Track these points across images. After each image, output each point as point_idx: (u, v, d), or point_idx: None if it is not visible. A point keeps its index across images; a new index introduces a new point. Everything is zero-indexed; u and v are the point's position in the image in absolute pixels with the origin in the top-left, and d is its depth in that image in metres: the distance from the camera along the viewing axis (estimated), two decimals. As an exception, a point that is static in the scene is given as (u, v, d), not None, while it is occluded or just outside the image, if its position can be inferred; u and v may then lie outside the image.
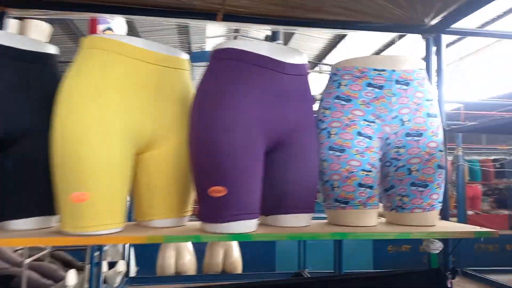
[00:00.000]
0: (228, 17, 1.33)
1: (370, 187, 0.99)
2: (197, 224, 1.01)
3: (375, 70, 1.01)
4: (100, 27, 3.01)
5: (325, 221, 1.09)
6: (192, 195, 1.03)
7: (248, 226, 0.89)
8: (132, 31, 5.15)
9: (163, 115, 0.95)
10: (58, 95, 0.88)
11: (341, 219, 1.01)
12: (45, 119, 0.91)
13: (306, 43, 6.96)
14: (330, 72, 1.10)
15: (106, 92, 0.87)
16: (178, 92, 0.99)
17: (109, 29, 2.97)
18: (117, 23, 3.04)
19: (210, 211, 0.88)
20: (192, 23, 1.38)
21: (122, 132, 0.88)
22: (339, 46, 6.83)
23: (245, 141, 0.88)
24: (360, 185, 0.98)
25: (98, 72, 0.88)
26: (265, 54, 0.93)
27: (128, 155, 0.90)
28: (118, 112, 0.88)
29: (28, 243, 0.82)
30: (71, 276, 2.21)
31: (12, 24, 2.30)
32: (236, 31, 6.91)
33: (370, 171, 0.99)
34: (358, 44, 6.61)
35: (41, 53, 0.97)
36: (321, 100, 1.09)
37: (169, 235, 0.88)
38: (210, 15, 1.33)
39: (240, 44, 0.93)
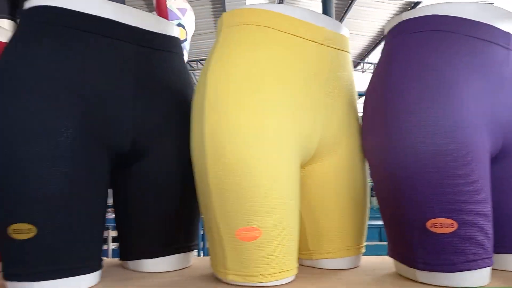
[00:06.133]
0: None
1: None
2: (377, 265, 0.73)
3: None
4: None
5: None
6: (365, 222, 0.75)
7: (484, 276, 0.60)
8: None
9: (334, 115, 0.69)
10: (196, 92, 0.64)
11: None
12: (175, 124, 0.68)
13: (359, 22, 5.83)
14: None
15: (267, 85, 0.61)
16: (347, 82, 0.71)
17: (180, 25, 2.76)
18: (188, 17, 2.81)
19: (430, 253, 0.60)
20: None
21: (295, 141, 0.62)
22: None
23: (471, 149, 0.59)
24: None
25: (252, 58, 0.61)
26: (482, 21, 0.63)
27: (298, 172, 0.64)
28: (286, 113, 0.61)
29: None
30: None
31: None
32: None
33: None
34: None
35: (168, 37, 0.72)
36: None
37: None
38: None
39: (443, 9, 0.64)
